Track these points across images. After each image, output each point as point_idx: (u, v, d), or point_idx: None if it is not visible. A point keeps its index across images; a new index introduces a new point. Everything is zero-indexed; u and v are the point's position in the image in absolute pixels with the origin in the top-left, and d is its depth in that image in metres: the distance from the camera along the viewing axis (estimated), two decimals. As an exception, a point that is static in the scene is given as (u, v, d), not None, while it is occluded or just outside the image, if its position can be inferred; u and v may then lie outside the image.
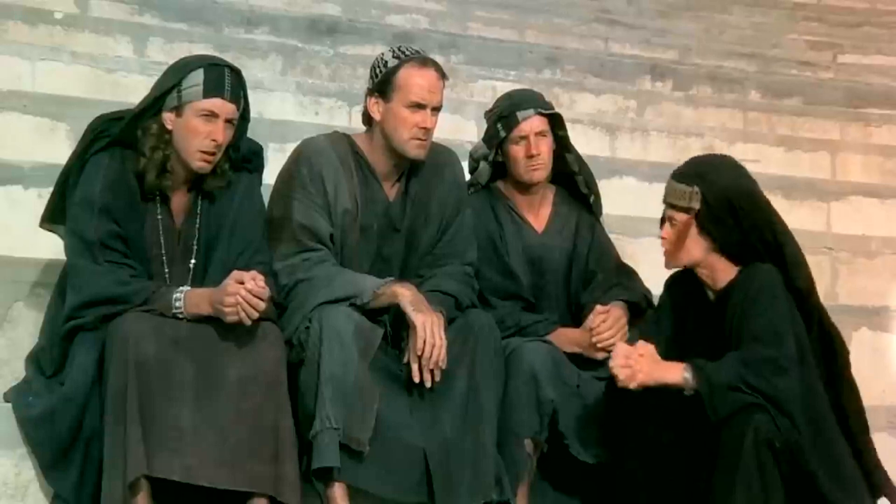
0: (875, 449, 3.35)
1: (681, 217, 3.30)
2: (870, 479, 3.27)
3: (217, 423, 3.10)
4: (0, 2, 5.60)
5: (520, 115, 3.73)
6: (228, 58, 3.60)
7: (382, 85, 3.49)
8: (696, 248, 3.30)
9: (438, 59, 3.70)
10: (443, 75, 3.52)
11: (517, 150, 3.76)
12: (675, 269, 3.41)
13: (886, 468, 3.35)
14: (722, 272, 3.31)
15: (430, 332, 3.30)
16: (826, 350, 3.32)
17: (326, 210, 3.48)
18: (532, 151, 3.73)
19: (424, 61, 3.50)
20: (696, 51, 7.98)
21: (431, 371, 3.33)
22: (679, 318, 3.40)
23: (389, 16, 7.23)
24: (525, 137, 3.73)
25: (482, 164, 3.86)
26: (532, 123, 3.73)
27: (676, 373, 3.15)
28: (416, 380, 3.34)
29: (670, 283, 3.46)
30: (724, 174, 3.30)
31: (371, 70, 3.54)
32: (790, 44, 8.58)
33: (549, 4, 8.19)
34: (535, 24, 7.83)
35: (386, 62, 3.50)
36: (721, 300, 3.30)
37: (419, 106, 3.47)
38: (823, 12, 9.21)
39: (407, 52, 3.51)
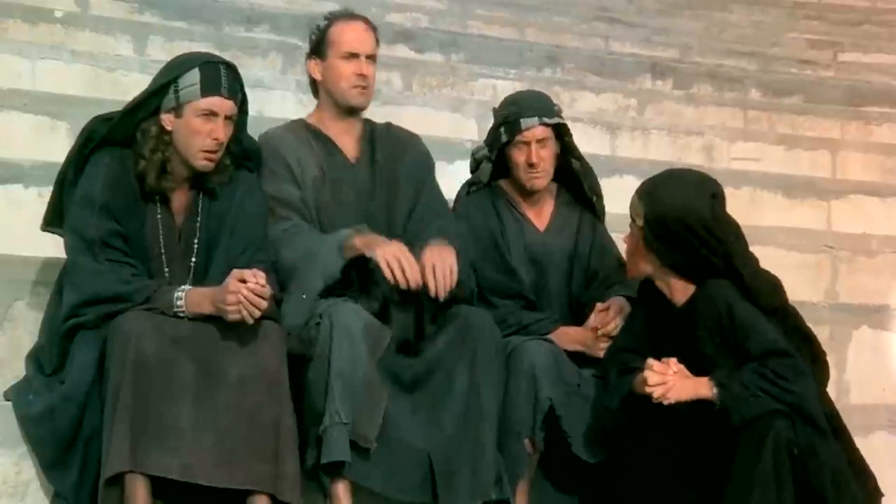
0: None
1: (633, 228, 3.30)
2: (866, 483, 3.26)
3: (217, 422, 3.09)
4: (0, 0, 5.60)
5: (523, 122, 3.71)
6: (228, 56, 3.60)
7: (317, 45, 3.68)
8: (646, 263, 3.30)
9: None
10: (371, 27, 3.68)
11: (518, 156, 3.75)
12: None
13: (887, 466, 3.34)
14: (678, 291, 3.29)
15: (391, 258, 3.34)
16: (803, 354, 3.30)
17: (292, 178, 3.57)
18: (532, 159, 3.72)
19: (352, 15, 3.70)
20: (696, 49, 7.99)
21: (426, 286, 3.34)
22: (650, 321, 3.39)
23: (389, 14, 7.21)
24: (527, 144, 3.72)
25: (484, 164, 3.86)
26: (535, 132, 3.72)
27: (706, 387, 3.15)
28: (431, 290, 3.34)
29: (643, 285, 3.43)
30: (673, 195, 3.24)
31: (308, 40, 3.72)
32: (790, 42, 8.58)
33: (550, 3, 8.19)
34: (536, 23, 7.83)
35: (318, 26, 3.69)
36: (685, 315, 3.28)
37: (353, 55, 3.61)
38: (824, 11, 9.22)
39: (335, 13, 3.71)
